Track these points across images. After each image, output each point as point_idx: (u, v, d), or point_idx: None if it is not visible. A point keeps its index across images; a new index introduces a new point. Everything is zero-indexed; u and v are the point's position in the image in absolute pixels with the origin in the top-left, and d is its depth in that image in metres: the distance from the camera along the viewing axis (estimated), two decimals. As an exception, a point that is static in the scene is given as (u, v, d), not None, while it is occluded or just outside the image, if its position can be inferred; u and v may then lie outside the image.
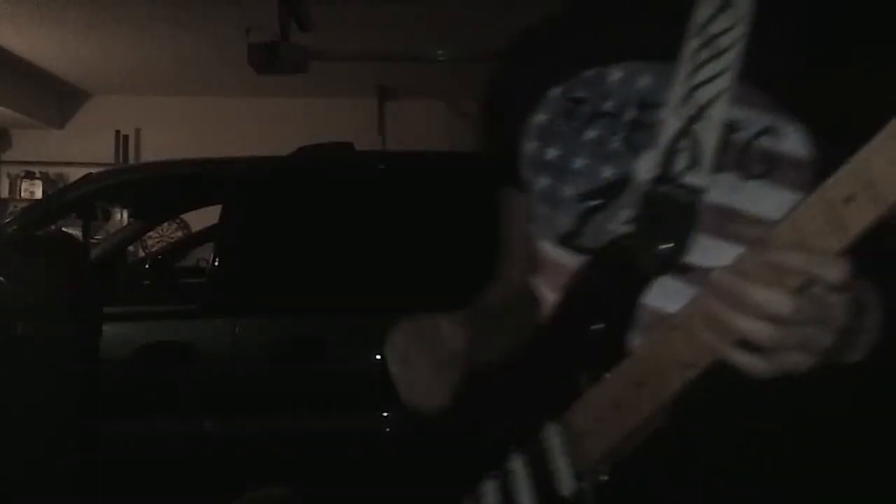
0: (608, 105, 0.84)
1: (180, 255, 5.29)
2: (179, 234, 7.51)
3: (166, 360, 3.16)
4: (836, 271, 0.58)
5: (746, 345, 0.60)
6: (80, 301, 2.47)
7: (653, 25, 0.83)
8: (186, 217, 7.03)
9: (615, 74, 0.85)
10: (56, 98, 8.04)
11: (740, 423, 0.78)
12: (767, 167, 0.75)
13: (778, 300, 0.58)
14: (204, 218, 4.88)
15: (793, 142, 0.75)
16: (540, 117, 0.90)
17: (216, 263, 3.34)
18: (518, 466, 0.85)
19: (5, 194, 8.22)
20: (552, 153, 0.88)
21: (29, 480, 2.29)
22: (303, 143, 3.66)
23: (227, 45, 6.10)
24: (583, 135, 0.85)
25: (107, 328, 2.68)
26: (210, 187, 3.86)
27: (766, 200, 0.75)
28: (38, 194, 7.93)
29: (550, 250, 0.89)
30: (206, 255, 5.09)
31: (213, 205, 3.77)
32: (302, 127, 6.78)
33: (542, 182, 0.89)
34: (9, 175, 8.24)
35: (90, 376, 2.48)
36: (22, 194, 8.11)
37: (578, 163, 0.85)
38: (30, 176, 8.18)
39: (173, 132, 7.71)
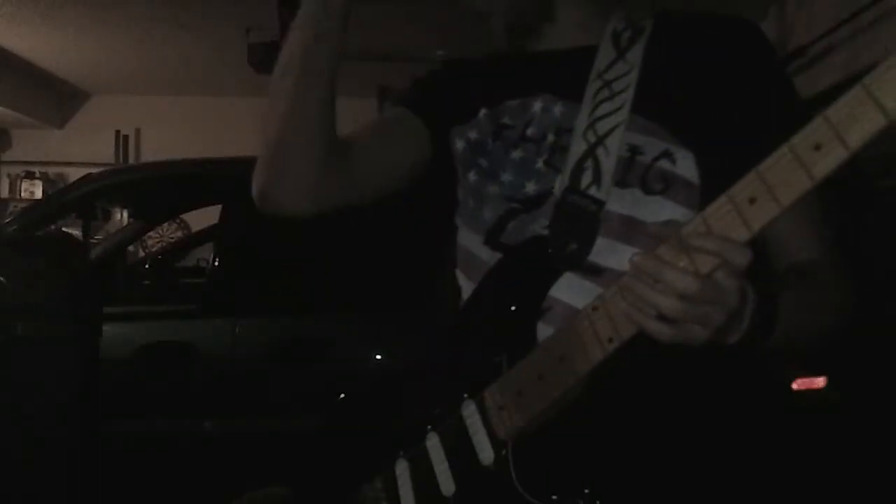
0: (531, 131, 1.00)
1: (180, 256, 5.29)
2: (179, 234, 7.52)
3: (166, 361, 3.16)
4: (742, 256, 0.70)
5: (658, 317, 0.73)
6: (80, 301, 2.46)
7: (564, 70, 1.00)
8: (186, 217, 7.03)
9: (536, 105, 1.01)
10: (56, 98, 8.04)
11: (665, 402, 0.91)
12: (664, 185, 0.90)
13: (687, 281, 0.70)
14: (204, 218, 4.88)
15: (685, 166, 0.90)
16: (472, 134, 1.05)
17: (216, 263, 3.34)
18: (434, 443, 0.93)
19: (5, 194, 8.21)
20: (483, 162, 1.02)
21: (28, 481, 2.28)
22: (303, 142, 3.65)
23: (227, 45, 6.10)
24: (510, 154, 1.00)
25: (107, 328, 2.68)
26: (210, 187, 3.85)
27: (663, 213, 0.89)
28: (38, 194, 7.93)
29: (474, 247, 1.00)
30: (206, 255, 5.09)
31: (213, 205, 3.77)
32: (302, 127, 6.78)
33: (472, 177, 1.03)
34: (9, 175, 8.24)
35: (90, 376, 2.48)
36: (22, 194, 8.10)
37: (505, 177, 0.99)
38: (30, 176, 8.18)
39: (173, 132, 7.71)
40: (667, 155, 0.91)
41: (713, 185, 0.87)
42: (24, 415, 2.29)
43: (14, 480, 2.25)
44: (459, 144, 1.05)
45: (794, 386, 2.80)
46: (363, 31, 6.07)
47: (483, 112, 1.04)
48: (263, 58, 5.35)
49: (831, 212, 0.93)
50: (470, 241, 1.02)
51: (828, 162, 0.64)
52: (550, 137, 0.98)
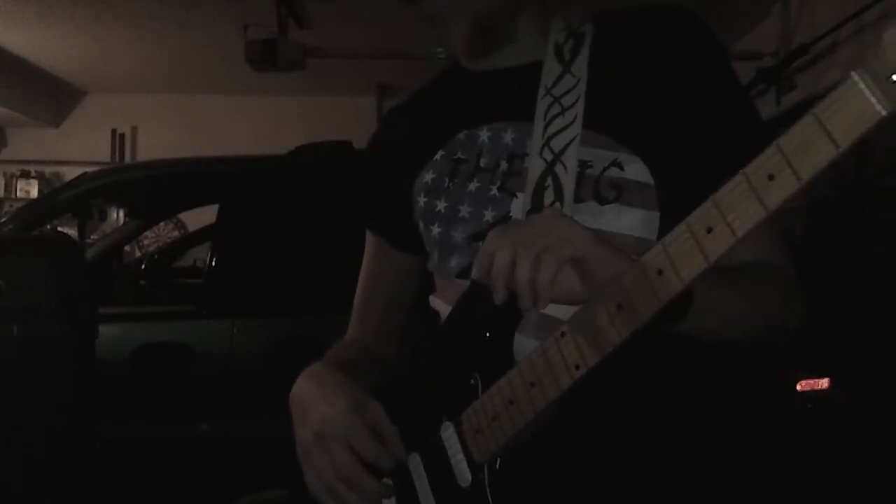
0: (484, 161, 1.01)
1: (177, 255, 5.26)
2: (176, 233, 7.49)
3: (163, 361, 3.14)
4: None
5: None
6: (76, 302, 2.44)
7: (510, 91, 1.01)
8: (183, 216, 7.00)
9: (483, 135, 1.02)
10: (52, 96, 8.00)
11: (627, 416, 0.93)
12: (617, 192, 0.92)
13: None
14: (201, 217, 4.85)
15: (634, 171, 0.92)
16: (428, 176, 1.06)
17: (213, 263, 3.31)
18: (416, 464, 0.95)
19: (1, 193, 8.18)
20: (441, 205, 1.04)
21: (26, 482, 2.26)
22: (301, 141, 3.64)
23: (225, 43, 6.08)
24: (466, 188, 1.02)
25: (103, 329, 2.65)
26: (207, 186, 3.83)
27: (620, 219, 0.92)
28: (34, 193, 7.90)
29: (449, 280, 1.03)
30: (203, 254, 5.06)
31: (211, 204, 3.74)
32: (300, 125, 6.75)
33: (435, 230, 1.05)
34: (4, 174, 8.21)
35: (86, 377, 2.46)
36: (17, 193, 8.07)
37: (464, 210, 1.02)
38: (25, 175, 8.15)
39: (170, 130, 7.68)
40: (615, 164, 0.92)
41: (668, 182, 0.92)
42: (20, 416, 2.26)
43: (11, 481, 2.23)
44: (420, 201, 1.06)
45: (799, 387, 2.79)
46: (363, 29, 6.05)
47: (438, 153, 1.06)
48: (261, 55, 5.32)
49: (795, 223, 0.92)
50: (444, 279, 1.05)
51: (781, 192, 0.64)
52: (503, 165, 0.99)
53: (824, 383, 2.81)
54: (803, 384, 2.79)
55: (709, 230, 0.67)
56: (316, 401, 0.96)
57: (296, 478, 1.13)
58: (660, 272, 0.70)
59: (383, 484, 0.92)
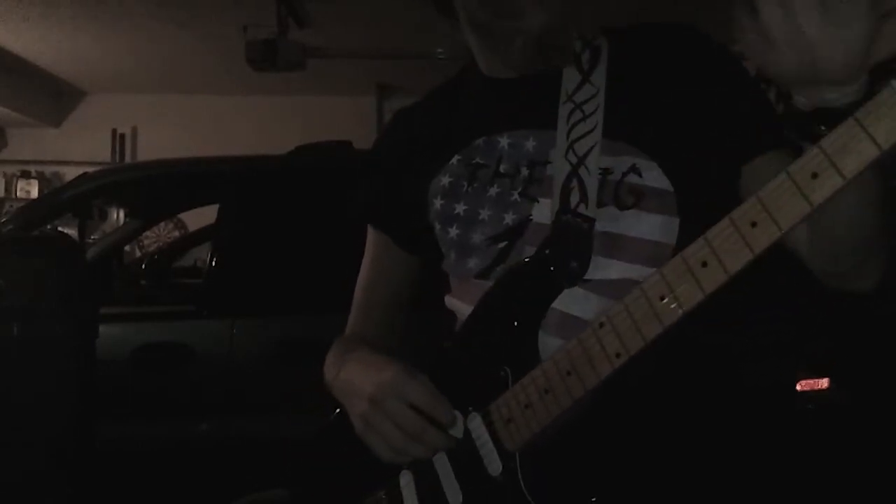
0: (504, 167, 1.03)
1: (177, 255, 5.26)
2: (176, 233, 7.49)
3: (163, 361, 3.13)
4: None
5: None
6: (77, 301, 2.44)
7: (532, 99, 1.03)
8: (183, 216, 7.00)
9: (503, 141, 1.04)
10: (52, 96, 8.01)
11: (664, 408, 0.94)
12: (636, 198, 0.94)
13: None
14: (201, 217, 4.85)
15: (652, 177, 0.95)
16: (444, 179, 1.07)
17: (213, 263, 3.31)
18: (440, 454, 0.95)
19: (1, 194, 8.20)
20: (460, 208, 1.05)
21: (26, 482, 2.26)
22: (301, 141, 3.63)
23: (225, 43, 6.08)
24: (486, 192, 1.03)
25: (103, 329, 2.65)
26: (207, 186, 3.83)
27: (639, 224, 0.94)
28: (35, 194, 7.92)
29: (467, 281, 1.04)
30: (203, 255, 5.06)
31: (211, 204, 3.74)
32: (300, 125, 6.76)
33: (453, 232, 1.06)
34: (5, 174, 8.22)
35: (86, 377, 2.46)
36: (18, 194, 8.09)
37: (483, 214, 1.03)
38: (26, 175, 8.16)
39: (170, 130, 7.69)
40: (633, 170, 0.95)
41: (687, 189, 0.95)
42: (20, 416, 2.27)
43: (11, 481, 2.23)
44: (436, 203, 1.08)
45: (799, 387, 2.79)
46: (363, 29, 6.05)
47: (455, 157, 1.07)
48: (261, 55, 5.33)
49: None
50: (462, 281, 1.06)
51: (825, 189, 0.67)
52: (524, 171, 1.01)
53: (824, 383, 2.81)
54: (803, 384, 2.79)
55: (753, 224, 0.71)
56: (366, 374, 1.00)
57: (296, 478, 1.14)
58: (704, 264, 0.74)
59: (448, 434, 0.94)
